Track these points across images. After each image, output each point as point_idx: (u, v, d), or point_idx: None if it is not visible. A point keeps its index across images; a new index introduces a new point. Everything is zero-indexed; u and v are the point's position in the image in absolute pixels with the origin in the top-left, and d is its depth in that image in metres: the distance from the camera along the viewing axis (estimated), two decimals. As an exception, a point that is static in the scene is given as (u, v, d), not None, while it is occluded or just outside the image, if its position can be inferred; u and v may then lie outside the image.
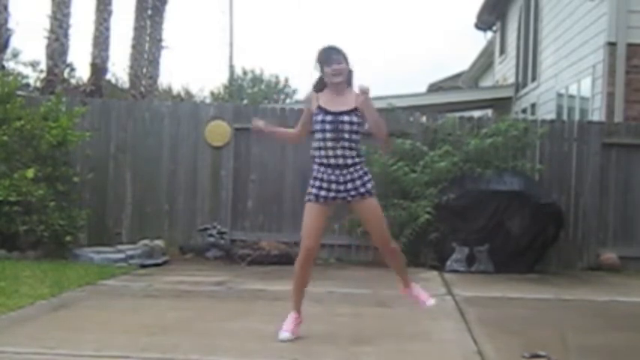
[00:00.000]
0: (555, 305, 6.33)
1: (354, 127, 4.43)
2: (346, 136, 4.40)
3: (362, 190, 4.46)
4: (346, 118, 4.41)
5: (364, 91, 4.41)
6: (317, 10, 62.63)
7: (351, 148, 4.43)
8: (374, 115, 4.50)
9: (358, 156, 4.47)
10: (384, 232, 4.59)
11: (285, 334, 4.45)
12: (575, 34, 11.06)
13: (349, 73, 4.52)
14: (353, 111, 4.44)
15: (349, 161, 4.43)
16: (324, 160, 4.45)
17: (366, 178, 4.49)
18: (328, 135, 4.41)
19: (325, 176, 4.45)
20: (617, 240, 8.90)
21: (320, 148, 4.45)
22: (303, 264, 4.55)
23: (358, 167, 4.47)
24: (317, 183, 4.48)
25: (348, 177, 4.44)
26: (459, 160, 8.45)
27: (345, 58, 4.49)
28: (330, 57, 4.46)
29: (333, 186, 4.45)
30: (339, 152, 4.41)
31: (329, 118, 4.42)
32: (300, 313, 4.61)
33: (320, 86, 4.56)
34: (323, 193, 4.46)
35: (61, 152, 8.46)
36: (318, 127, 4.45)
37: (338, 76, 4.44)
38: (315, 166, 4.50)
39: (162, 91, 23.25)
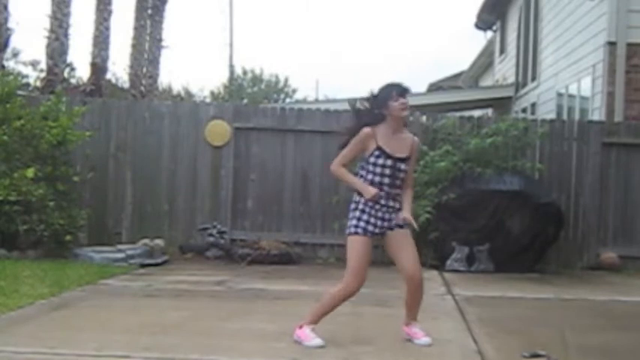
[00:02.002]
0: (555, 305, 6.33)
1: (403, 175, 4.44)
2: (398, 183, 4.41)
3: (395, 222, 4.43)
4: (403, 166, 4.41)
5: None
6: (317, 10, 62.61)
7: (400, 187, 4.44)
8: (411, 173, 4.55)
9: (399, 195, 4.47)
10: (418, 261, 4.47)
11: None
12: (575, 34, 11.05)
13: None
14: (409, 158, 4.44)
15: (398, 204, 4.44)
16: (380, 201, 4.39)
17: (398, 212, 4.46)
18: (386, 180, 4.37)
19: (373, 212, 4.38)
20: (617, 239, 8.91)
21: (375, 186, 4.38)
22: (344, 300, 4.48)
23: (399, 199, 4.47)
24: (365, 217, 4.38)
25: (391, 210, 4.42)
26: (459, 160, 8.45)
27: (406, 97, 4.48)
28: (402, 88, 4.44)
29: (379, 222, 4.40)
30: (392, 194, 4.40)
31: (389, 162, 4.36)
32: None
33: (375, 121, 4.43)
34: (371, 228, 4.38)
35: (61, 152, 8.46)
36: (377, 170, 4.38)
37: (405, 110, 4.42)
38: (363, 200, 4.40)
39: (162, 91, 23.25)
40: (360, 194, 4.40)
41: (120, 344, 4.23)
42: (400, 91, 4.42)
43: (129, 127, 9.20)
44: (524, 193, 8.22)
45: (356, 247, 4.36)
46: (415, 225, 4.48)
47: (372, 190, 4.32)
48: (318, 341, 4.31)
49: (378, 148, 4.36)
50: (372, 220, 4.37)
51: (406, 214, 4.41)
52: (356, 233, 4.37)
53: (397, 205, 4.44)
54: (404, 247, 4.41)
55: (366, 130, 4.39)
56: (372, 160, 4.38)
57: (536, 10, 13.71)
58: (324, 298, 4.51)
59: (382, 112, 4.41)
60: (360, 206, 4.39)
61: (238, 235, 9.01)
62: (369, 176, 4.40)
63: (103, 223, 9.04)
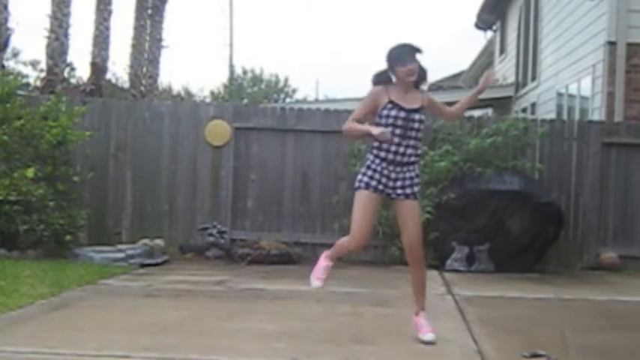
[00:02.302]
0: (555, 305, 6.33)
1: (422, 126, 4.46)
2: (413, 134, 4.41)
3: (408, 191, 4.44)
4: (417, 116, 4.42)
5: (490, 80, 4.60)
6: (317, 10, 62.60)
7: (415, 147, 4.44)
8: (443, 108, 4.68)
9: (417, 155, 4.48)
10: (419, 235, 4.49)
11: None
12: (575, 34, 11.05)
13: (421, 73, 4.49)
14: (422, 109, 4.46)
15: (411, 159, 4.44)
16: (384, 155, 4.41)
17: (415, 180, 4.48)
18: (398, 131, 4.37)
19: (379, 168, 4.42)
20: (617, 239, 8.90)
21: (382, 144, 4.39)
22: (352, 250, 4.64)
23: (413, 167, 4.48)
24: (369, 173, 4.44)
25: (401, 175, 4.43)
26: (459, 160, 8.45)
27: (417, 57, 4.45)
28: (404, 56, 4.41)
29: (384, 180, 4.42)
30: (401, 150, 4.40)
31: (402, 114, 4.38)
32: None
33: (385, 80, 4.49)
34: (374, 183, 4.43)
35: (61, 152, 8.46)
36: (389, 121, 4.37)
37: (412, 76, 4.41)
38: (372, 157, 4.45)
39: (162, 91, 23.25)
40: (372, 151, 4.44)
41: (120, 344, 4.23)
42: (407, 56, 4.40)
43: (129, 127, 9.20)
44: (524, 193, 8.22)
45: (358, 201, 4.44)
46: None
47: (380, 129, 4.29)
48: (316, 283, 4.57)
49: (390, 102, 4.39)
50: (377, 176, 4.42)
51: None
52: (358, 187, 4.45)
53: (407, 169, 4.42)
54: (405, 221, 4.47)
55: (377, 87, 4.46)
56: (384, 112, 4.40)
57: (536, 10, 13.71)
58: (337, 244, 4.66)
59: (391, 74, 4.47)
60: (368, 163, 4.46)
61: (238, 235, 9.01)
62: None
63: (103, 223, 9.04)
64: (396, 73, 4.43)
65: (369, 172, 4.44)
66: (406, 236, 4.49)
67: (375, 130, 4.28)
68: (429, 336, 4.45)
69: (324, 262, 4.67)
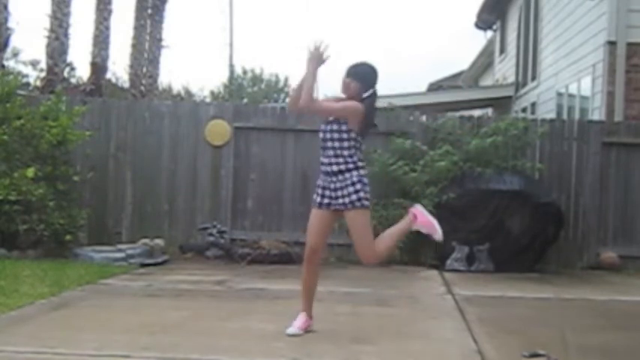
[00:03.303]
0: (555, 304, 6.33)
1: (335, 135, 4.44)
2: (329, 144, 4.46)
3: (341, 200, 4.45)
4: (328, 127, 4.48)
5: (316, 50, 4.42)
6: (317, 10, 62.61)
7: (336, 156, 4.45)
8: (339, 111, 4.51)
9: (345, 163, 4.44)
10: (363, 247, 4.50)
11: (291, 329, 4.52)
12: (575, 34, 11.05)
13: (359, 94, 4.50)
14: (334, 120, 4.47)
15: (333, 168, 4.46)
16: (321, 167, 4.56)
17: (350, 190, 4.42)
18: (321, 144, 4.53)
19: (320, 182, 4.57)
20: (617, 239, 8.91)
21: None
22: (306, 263, 4.64)
23: (343, 176, 4.44)
24: (318, 191, 4.59)
25: (339, 184, 4.46)
26: (459, 160, 8.45)
27: (360, 77, 4.49)
28: (349, 68, 4.54)
29: (327, 192, 4.52)
30: (325, 160, 4.50)
31: (322, 126, 4.54)
32: (310, 316, 4.65)
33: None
34: (318, 199, 4.56)
35: (61, 151, 8.46)
36: (320, 135, 4.57)
37: (343, 87, 4.53)
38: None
39: (162, 91, 23.25)
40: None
41: (120, 344, 4.23)
42: (346, 69, 4.55)
43: (129, 126, 9.20)
44: (524, 192, 8.22)
45: (310, 219, 4.65)
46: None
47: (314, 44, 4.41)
48: (292, 330, 4.54)
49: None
50: (319, 190, 4.57)
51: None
52: (313, 206, 4.61)
53: (339, 175, 4.44)
54: (349, 226, 4.53)
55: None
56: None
57: (536, 9, 13.71)
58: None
59: None
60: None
61: (238, 235, 9.01)
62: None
63: (103, 223, 9.04)
64: None
65: (318, 190, 4.59)
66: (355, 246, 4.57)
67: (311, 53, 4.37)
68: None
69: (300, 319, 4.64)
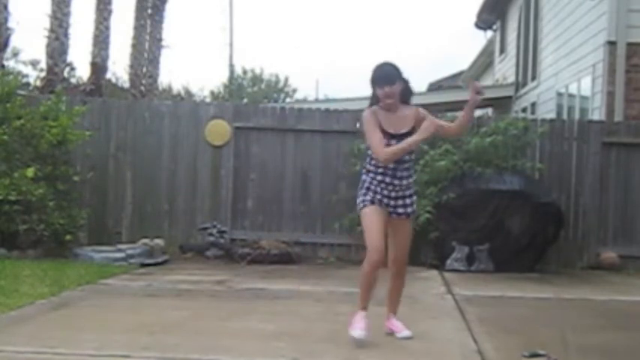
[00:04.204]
0: (555, 304, 6.33)
1: (412, 161, 4.49)
2: (407, 157, 4.43)
3: (405, 210, 4.48)
4: (407, 156, 4.42)
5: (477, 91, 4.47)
6: (317, 10, 62.62)
7: (408, 169, 4.47)
8: (442, 126, 4.56)
9: (410, 176, 4.50)
10: (406, 251, 4.62)
11: (358, 332, 4.35)
12: (575, 33, 11.05)
13: (404, 90, 4.44)
14: (412, 131, 4.38)
15: (404, 182, 4.44)
16: (381, 177, 4.41)
17: (413, 199, 4.52)
18: (391, 166, 4.39)
19: (379, 189, 4.42)
20: (617, 239, 8.90)
21: (379, 167, 4.38)
22: (371, 272, 4.46)
23: (409, 188, 4.50)
24: (370, 194, 4.43)
25: (400, 194, 4.45)
26: (459, 159, 8.44)
27: (396, 77, 4.38)
28: (380, 78, 4.36)
29: (385, 200, 4.42)
30: (398, 174, 4.40)
31: (394, 142, 4.35)
32: (366, 310, 4.53)
33: (373, 101, 4.46)
34: (378, 197, 4.42)
35: (61, 151, 8.46)
36: None
37: (389, 98, 4.35)
38: (369, 179, 4.44)
39: (162, 91, 23.25)
40: (369, 174, 4.45)
41: (120, 344, 4.23)
42: (383, 78, 4.36)
43: (129, 126, 9.20)
44: (524, 192, 8.22)
45: (367, 217, 4.41)
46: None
47: (431, 122, 4.38)
48: (358, 332, 4.32)
49: (382, 131, 4.36)
50: (379, 196, 4.42)
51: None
52: (363, 206, 4.43)
53: (405, 189, 4.44)
54: (399, 233, 4.52)
55: (365, 112, 4.45)
56: None
57: (536, 9, 13.71)
58: (359, 279, 4.55)
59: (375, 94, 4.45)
60: (367, 184, 4.46)
61: (238, 235, 9.01)
62: (373, 161, 4.42)
63: (103, 223, 9.04)
64: (377, 96, 4.39)
65: (370, 193, 4.43)
66: (395, 248, 4.56)
67: (425, 130, 4.32)
68: (405, 333, 4.53)
69: (358, 316, 4.48)
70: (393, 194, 4.44)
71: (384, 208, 4.43)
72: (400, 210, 4.46)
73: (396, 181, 4.41)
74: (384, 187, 4.41)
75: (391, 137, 4.35)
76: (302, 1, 62.57)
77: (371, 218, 4.38)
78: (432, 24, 67.85)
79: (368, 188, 4.44)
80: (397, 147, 4.33)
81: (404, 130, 4.39)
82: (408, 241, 4.57)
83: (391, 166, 4.37)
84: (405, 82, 4.46)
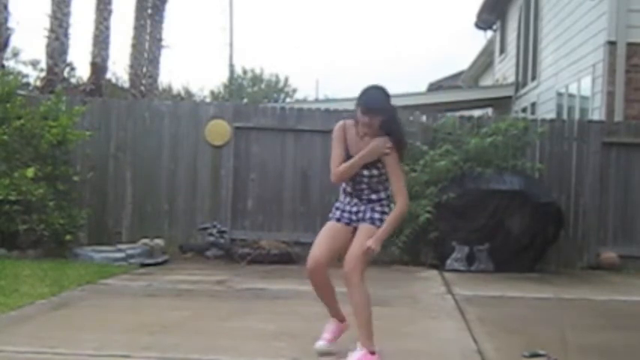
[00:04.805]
0: (555, 304, 6.33)
1: (374, 180, 4.14)
2: (366, 173, 4.12)
3: (367, 215, 4.17)
4: (366, 172, 4.11)
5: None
6: (317, 10, 62.63)
7: (369, 186, 4.17)
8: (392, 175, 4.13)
9: (376, 192, 4.18)
10: (356, 253, 4.07)
11: (319, 342, 4.19)
12: (575, 33, 11.05)
13: (385, 124, 4.07)
14: (376, 162, 4.08)
15: (364, 198, 4.19)
16: (347, 194, 4.26)
17: (377, 208, 4.17)
18: (350, 184, 4.20)
19: (345, 204, 4.26)
20: (617, 239, 8.91)
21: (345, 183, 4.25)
22: (309, 275, 4.20)
23: (374, 201, 4.18)
24: (337, 212, 4.28)
25: (362, 208, 4.18)
26: (459, 160, 8.44)
27: (380, 110, 4.03)
28: (364, 104, 4.04)
29: (346, 215, 4.23)
30: (356, 192, 4.19)
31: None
32: (342, 319, 4.35)
33: (353, 117, 4.17)
34: (341, 213, 4.25)
35: (61, 151, 8.46)
36: None
37: (367, 127, 4.04)
38: (342, 195, 4.31)
39: (162, 91, 23.25)
40: (342, 190, 4.30)
41: (120, 344, 4.23)
42: (361, 102, 4.05)
43: (129, 126, 9.20)
44: (525, 192, 8.22)
45: (321, 230, 4.28)
46: (372, 251, 4.05)
47: (375, 143, 4.01)
48: (319, 344, 4.18)
49: (346, 149, 4.12)
50: (344, 213, 4.23)
51: (369, 242, 3.98)
52: (329, 219, 4.30)
53: (367, 203, 4.17)
54: (356, 238, 4.14)
55: (338, 125, 4.20)
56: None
57: (536, 9, 13.71)
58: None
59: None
60: (338, 202, 4.32)
61: (238, 235, 9.01)
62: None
63: (103, 223, 9.04)
64: (357, 116, 4.08)
65: (337, 212, 4.27)
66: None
67: (369, 150, 4.02)
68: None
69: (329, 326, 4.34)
70: (354, 209, 4.20)
71: (345, 226, 4.21)
72: (362, 216, 4.17)
73: (355, 199, 4.20)
74: (349, 201, 4.23)
75: (348, 158, 4.11)
76: (302, 1, 62.58)
77: (323, 232, 4.24)
78: (432, 24, 67.89)
79: (337, 207, 4.30)
80: (344, 165, 4.08)
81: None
82: (359, 245, 4.04)
83: (350, 183, 4.18)
84: (390, 113, 4.13)
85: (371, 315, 4.07)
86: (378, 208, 4.16)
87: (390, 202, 4.20)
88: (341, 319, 4.36)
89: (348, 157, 4.11)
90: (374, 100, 4.07)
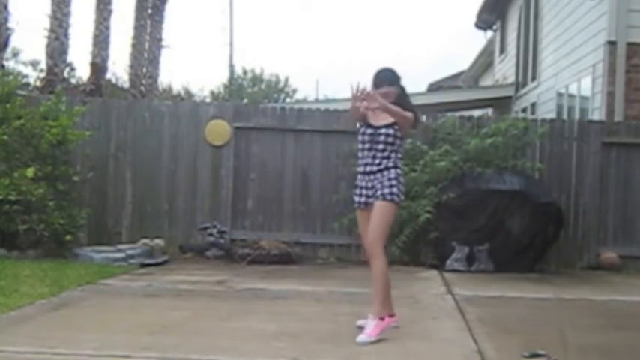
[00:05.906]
0: (555, 304, 6.33)
1: (389, 139, 4.67)
2: (380, 147, 4.67)
3: (379, 192, 4.62)
4: (383, 130, 4.67)
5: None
6: (317, 10, 62.64)
7: (382, 157, 4.67)
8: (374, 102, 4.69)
9: (378, 164, 4.66)
10: (373, 236, 4.61)
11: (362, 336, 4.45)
12: (575, 33, 11.05)
13: (400, 96, 4.71)
14: (392, 124, 4.66)
15: (368, 169, 4.68)
16: (361, 168, 4.75)
17: (386, 184, 4.63)
18: (367, 145, 4.72)
19: (358, 181, 4.78)
20: (617, 239, 8.90)
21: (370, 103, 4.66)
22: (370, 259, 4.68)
23: (382, 174, 4.65)
24: (355, 190, 4.83)
25: (370, 184, 4.68)
26: (459, 160, 8.44)
27: (395, 81, 4.71)
28: (380, 78, 4.71)
29: (357, 191, 4.77)
30: (369, 161, 4.69)
31: (369, 130, 4.71)
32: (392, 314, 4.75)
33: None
34: (356, 199, 4.78)
35: (61, 151, 8.46)
36: (359, 138, 4.78)
37: (387, 97, 4.60)
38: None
39: (162, 91, 23.24)
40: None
41: (120, 344, 4.23)
42: (380, 79, 4.73)
43: (129, 126, 9.20)
44: (524, 192, 8.22)
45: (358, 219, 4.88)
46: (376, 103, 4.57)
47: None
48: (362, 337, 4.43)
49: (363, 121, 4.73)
50: (357, 191, 4.79)
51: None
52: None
53: (378, 174, 4.65)
54: (373, 215, 4.62)
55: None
56: (360, 130, 4.79)
57: (536, 9, 13.71)
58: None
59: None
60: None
61: (238, 235, 9.01)
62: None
63: (103, 223, 9.04)
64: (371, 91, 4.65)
65: (355, 190, 4.79)
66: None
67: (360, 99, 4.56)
68: (361, 338, 4.45)
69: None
70: (362, 184, 4.71)
71: (362, 211, 4.73)
72: (372, 193, 4.64)
73: (368, 168, 4.66)
74: (361, 178, 4.73)
75: (368, 126, 4.70)
76: (302, 1, 62.55)
77: (359, 222, 4.81)
78: (432, 24, 67.88)
79: (355, 185, 4.81)
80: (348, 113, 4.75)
81: (382, 122, 4.67)
82: (372, 225, 4.60)
83: (359, 155, 4.72)
84: (404, 90, 4.77)
85: (386, 285, 4.65)
86: (386, 183, 4.60)
87: (399, 173, 4.68)
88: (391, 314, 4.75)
89: (365, 129, 4.72)
90: (391, 73, 4.76)
